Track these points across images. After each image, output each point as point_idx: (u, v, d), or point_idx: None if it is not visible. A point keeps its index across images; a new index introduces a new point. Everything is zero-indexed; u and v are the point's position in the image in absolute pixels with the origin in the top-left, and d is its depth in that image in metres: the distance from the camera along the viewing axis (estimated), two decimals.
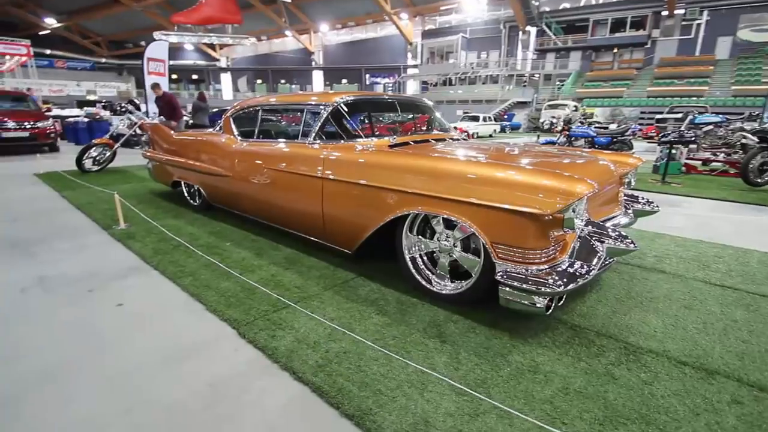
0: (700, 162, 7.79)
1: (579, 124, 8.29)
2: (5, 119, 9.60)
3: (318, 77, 41.78)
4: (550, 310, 1.94)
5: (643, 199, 3.02)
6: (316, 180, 2.84)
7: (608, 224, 2.43)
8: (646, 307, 2.33)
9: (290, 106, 3.40)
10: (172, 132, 4.77)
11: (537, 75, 30.25)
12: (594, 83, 27.20)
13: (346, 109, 3.06)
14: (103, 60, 45.09)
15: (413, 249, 2.51)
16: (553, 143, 8.00)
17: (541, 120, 18.05)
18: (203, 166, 4.06)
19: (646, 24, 26.56)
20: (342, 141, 2.92)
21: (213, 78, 47.31)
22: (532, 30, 29.78)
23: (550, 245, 1.93)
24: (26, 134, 9.70)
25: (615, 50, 28.52)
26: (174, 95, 8.05)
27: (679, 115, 10.49)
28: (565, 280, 1.87)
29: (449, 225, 2.29)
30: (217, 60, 46.29)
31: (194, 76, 47.69)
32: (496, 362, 1.80)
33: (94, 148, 7.03)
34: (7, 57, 28.17)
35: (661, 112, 16.53)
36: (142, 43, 46.86)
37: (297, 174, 2.99)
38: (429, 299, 2.39)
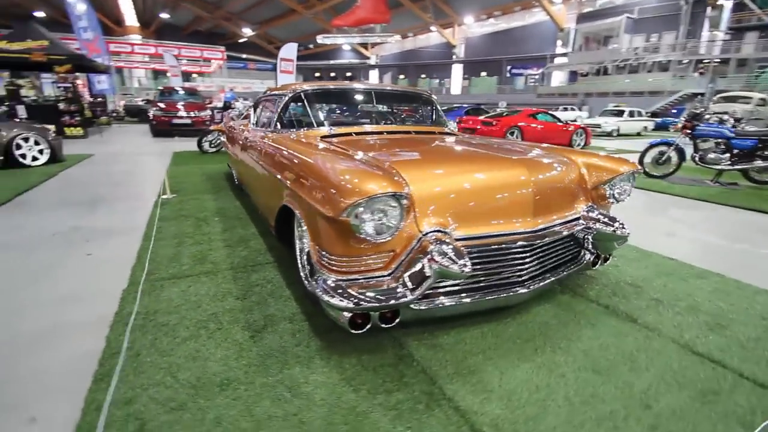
0: None
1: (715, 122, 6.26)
2: (178, 109, 12.47)
3: (457, 71, 41.25)
4: (362, 330, 1.69)
5: (618, 222, 2.19)
6: (258, 164, 2.98)
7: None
8: (533, 358, 1.77)
9: (272, 96, 3.59)
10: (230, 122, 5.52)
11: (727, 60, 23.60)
12: None
13: (300, 99, 3.09)
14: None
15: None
16: (668, 145, 6.25)
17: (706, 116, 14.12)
18: (232, 150, 4.63)
19: None
20: (287, 129, 2.99)
21: (363, 75, 51.39)
22: (727, 3, 23.30)
23: (356, 254, 1.66)
24: (189, 121, 12.36)
25: None
26: None
27: None
28: (374, 298, 1.59)
29: None
30: (368, 58, 50.01)
31: (348, 74, 52.63)
32: (269, 370, 1.66)
33: (210, 134, 8.58)
34: (212, 61, 36.14)
35: None
36: (311, 45, 54.03)
37: (253, 159, 3.19)
38: (301, 295, 2.30)
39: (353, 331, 1.69)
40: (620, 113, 16.38)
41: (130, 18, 33.20)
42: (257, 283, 2.46)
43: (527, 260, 1.93)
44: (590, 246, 2.29)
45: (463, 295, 1.85)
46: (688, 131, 6.01)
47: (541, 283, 2.03)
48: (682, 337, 1.95)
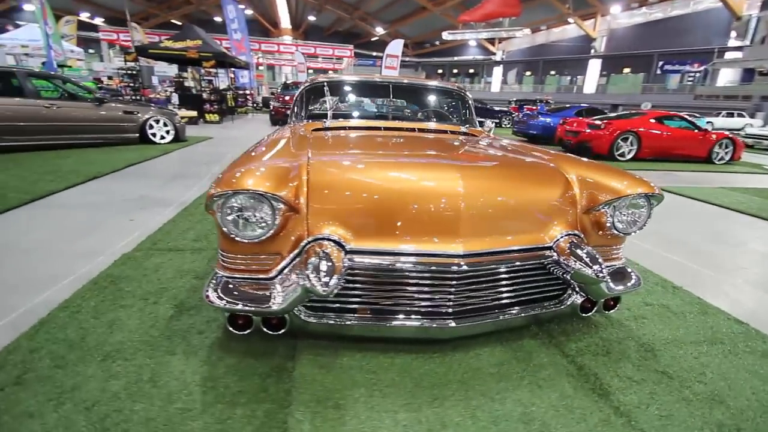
0: None
1: None
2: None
3: (594, 67, 36.55)
4: (243, 332, 1.62)
5: (598, 264, 1.59)
6: None
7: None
8: (422, 410, 1.44)
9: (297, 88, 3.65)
10: None
11: None
12: None
13: (315, 91, 3.09)
14: (407, 59, 55.17)
15: None
16: None
17: None
18: None
19: None
20: (299, 120, 3.04)
21: (486, 71, 49.47)
22: None
23: (238, 252, 1.57)
24: None
25: None
26: None
27: None
28: (241, 301, 1.51)
29: None
30: (494, 54, 47.89)
31: (471, 70, 51.33)
32: (155, 352, 1.68)
33: None
34: (343, 58, 39.07)
35: None
36: (437, 42, 54.20)
37: None
38: None
39: (233, 331, 1.62)
40: None
41: (285, 21, 38.16)
42: None
43: (452, 288, 1.58)
44: (577, 287, 1.77)
45: (365, 316, 1.62)
46: None
47: (484, 321, 1.65)
48: None
